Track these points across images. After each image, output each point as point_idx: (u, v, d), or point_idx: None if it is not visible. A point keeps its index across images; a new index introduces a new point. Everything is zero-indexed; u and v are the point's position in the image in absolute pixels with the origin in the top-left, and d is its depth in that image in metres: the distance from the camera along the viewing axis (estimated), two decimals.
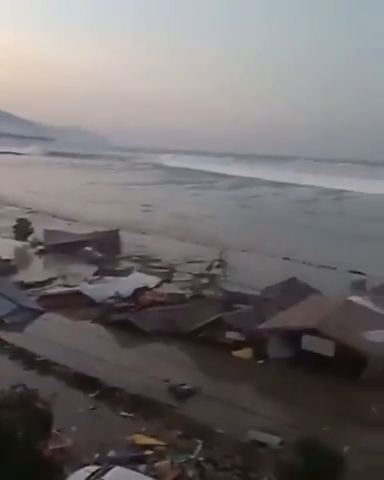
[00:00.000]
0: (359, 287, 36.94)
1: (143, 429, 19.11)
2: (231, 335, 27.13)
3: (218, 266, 45.19)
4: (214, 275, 42.66)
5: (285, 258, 49.31)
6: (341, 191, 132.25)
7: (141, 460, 17.01)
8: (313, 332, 24.68)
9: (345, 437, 18.76)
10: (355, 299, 30.19)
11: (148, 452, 17.51)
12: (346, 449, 17.48)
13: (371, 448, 18.16)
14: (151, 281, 37.65)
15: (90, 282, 36.16)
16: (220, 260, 46.50)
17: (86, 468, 14.85)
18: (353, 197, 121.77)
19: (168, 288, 37.47)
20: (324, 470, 14.13)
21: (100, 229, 53.41)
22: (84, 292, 33.46)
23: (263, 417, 20.27)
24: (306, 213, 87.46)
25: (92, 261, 43.87)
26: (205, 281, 40.85)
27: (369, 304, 29.45)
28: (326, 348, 24.09)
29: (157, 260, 46.94)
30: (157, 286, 37.37)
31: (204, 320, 28.04)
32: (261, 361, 25.39)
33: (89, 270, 40.42)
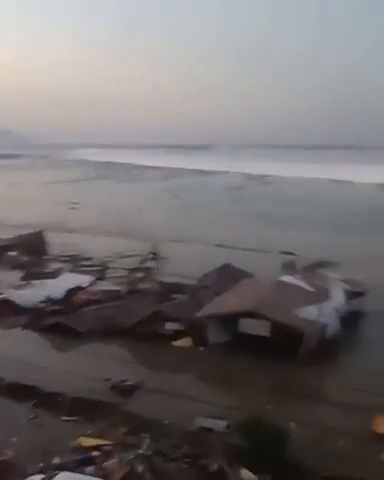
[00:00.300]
0: (290, 267, 38.14)
1: (88, 431, 18.67)
2: (170, 326, 27.15)
3: (152, 259, 44.98)
4: (149, 268, 42.43)
5: (218, 245, 49.91)
6: (264, 176, 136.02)
7: (89, 462, 16.60)
8: (249, 314, 25.19)
9: (289, 413, 19.35)
10: (287, 279, 31.07)
11: (95, 453, 17.13)
12: (293, 425, 18.06)
13: (314, 421, 18.85)
14: (84, 280, 36.78)
15: (17, 288, 34.73)
16: (154, 253, 46.32)
17: (30, 478, 14.27)
18: (276, 181, 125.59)
19: (103, 285, 36.79)
20: (270, 446, 14.47)
21: (24, 231, 51.33)
22: (11, 299, 32.17)
23: (209, 403, 20.46)
24: (235, 200, 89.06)
25: (17, 266, 42.39)
26: (140, 275, 40.51)
27: (300, 282, 30.41)
28: (262, 329, 24.70)
29: (88, 258, 45.91)
30: (91, 285, 36.57)
31: (142, 314, 27.83)
32: (201, 348, 25.60)
33: (15, 276, 38.93)
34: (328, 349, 24.59)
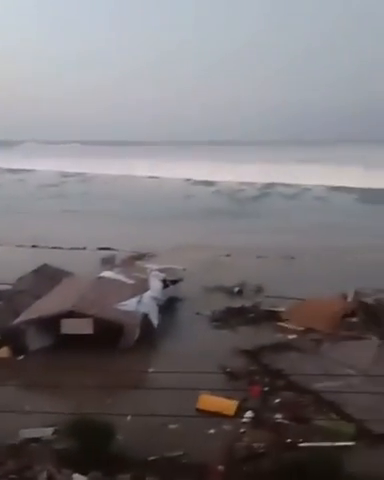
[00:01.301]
0: (109, 262, 38.51)
1: None
2: None
3: None
4: None
5: (34, 246, 47.77)
6: (81, 173, 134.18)
7: None
8: (70, 314, 24.73)
9: (121, 406, 19.50)
10: (106, 274, 31.32)
11: None
12: (129, 417, 18.20)
13: (146, 409, 19.25)
14: None
15: None
16: None
17: None
18: (92, 179, 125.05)
19: None
20: (96, 443, 14.48)
21: None
22: None
23: (36, 413, 19.44)
24: (50, 197, 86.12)
25: None
26: None
27: (120, 276, 30.95)
28: (85, 327, 24.47)
29: None
30: None
31: None
32: (21, 356, 24.30)
33: None
34: (150, 337, 25.53)
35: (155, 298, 28.23)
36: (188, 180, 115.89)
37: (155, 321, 26.37)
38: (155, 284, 30.12)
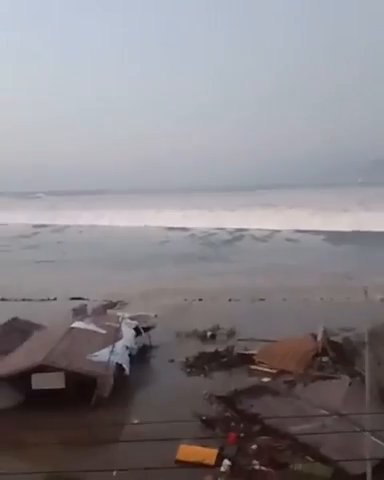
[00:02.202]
0: (81, 312, 38.10)
1: None
2: None
3: None
4: None
5: (2, 299, 47.04)
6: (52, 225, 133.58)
7: None
8: (41, 368, 24.34)
9: (105, 461, 19.03)
10: (78, 324, 31.06)
11: None
12: (114, 473, 17.71)
13: (128, 464, 18.75)
14: None
15: None
16: None
17: None
18: (64, 228, 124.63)
19: None
20: None
21: None
22: None
23: (10, 475, 18.79)
24: (20, 248, 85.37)
25: None
26: None
27: (91, 326, 30.76)
28: (56, 381, 24.06)
29: None
30: None
31: None
32: None
33: None
34: (123, 387, 25.27)
35: (128, 347, 28.13)
36: (157, 227, 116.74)
37: (128, 371, 26.17)
38: (127, 332, 30.06)
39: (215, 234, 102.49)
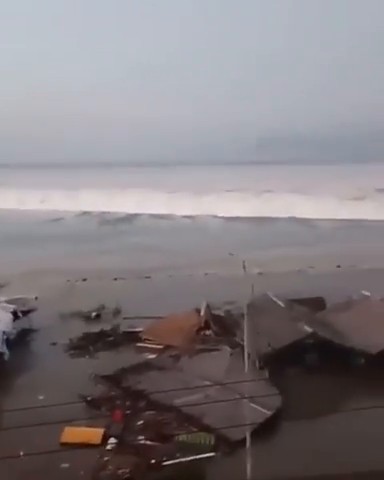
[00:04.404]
0: None
1: None
2: None
3: None
4: None
5: None
6: None
7: None
8: None
9: None
10: None
11: None
12: None
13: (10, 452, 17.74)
14: None
15: None
16: None
17: None
18: None
19: None
20: None
21: None
22: None
23: None
24: None
25: None
26: None
27: None
28: None
29: None
30: None
31: None
32: None
33: None
34: (1, 374, 23.94)
35: (5, 332, 26.59)
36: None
37: (5, 356, 24.82)
38: (3, 317, 28.37)
39: (107, 213, 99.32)
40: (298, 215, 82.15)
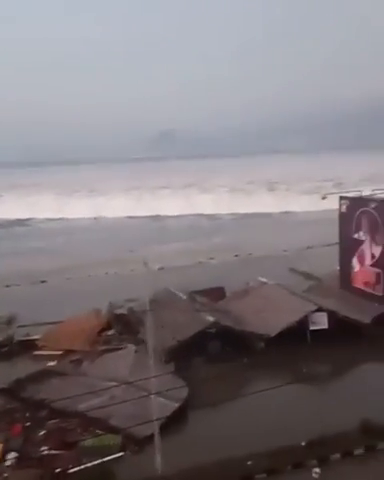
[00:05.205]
0: None
1: None
2: None
3: None
4: None
5: None
6: None
7: None
8: None
9: None
10: None
11: None
12: None
13: None
14: None
15: None
16: None
17: None
18: None
19: None
20: None
21: None
22: None
23: None
24: None
25: None
26: None
27: None
28: None
29: None
30: None
31: None
32: None
33: None
34: None
35: None
36: None
37: None
38: None
39: None
40: (197, 210, 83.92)
